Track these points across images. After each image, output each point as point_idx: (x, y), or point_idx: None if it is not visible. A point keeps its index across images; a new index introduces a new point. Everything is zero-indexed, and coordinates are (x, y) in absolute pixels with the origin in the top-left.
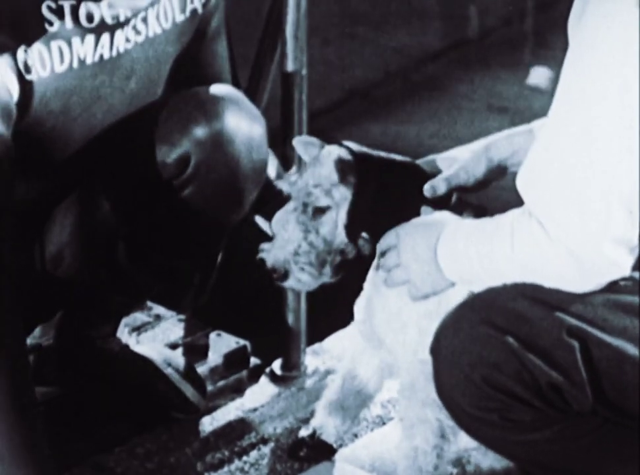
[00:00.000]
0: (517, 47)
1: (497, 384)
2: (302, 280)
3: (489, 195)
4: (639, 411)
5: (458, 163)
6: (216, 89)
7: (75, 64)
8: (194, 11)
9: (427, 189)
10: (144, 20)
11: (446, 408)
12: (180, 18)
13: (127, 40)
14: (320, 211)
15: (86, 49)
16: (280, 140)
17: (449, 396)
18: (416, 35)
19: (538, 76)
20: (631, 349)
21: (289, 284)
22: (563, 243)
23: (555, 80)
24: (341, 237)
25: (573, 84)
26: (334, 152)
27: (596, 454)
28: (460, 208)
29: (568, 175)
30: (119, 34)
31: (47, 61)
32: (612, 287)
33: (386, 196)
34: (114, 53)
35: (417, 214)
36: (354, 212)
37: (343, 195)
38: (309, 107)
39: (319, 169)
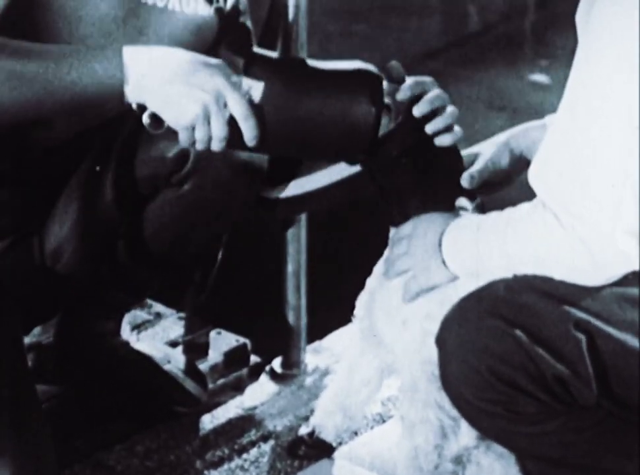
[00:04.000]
0: (517, 44)
1: (502, 376)
2: None
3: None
4: None
5: (482, 157)
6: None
7: None
8: (219, 10)
9: (465, 179)
10: None
11: (450, 399)
12: (204, 11)
13: None
14: None
15: None
16: None
17: (454, 386)
18: (416, 33)
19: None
20: (637, 343)
21: None
22: (576, 234)
23: (555, 77)
24: None
25: (584, 76)
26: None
27: (598, 448)
28: (480, 212)
29: (580, 165)
30: None
31: None
32: (620, 281)
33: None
34: None
35: (438, 192)
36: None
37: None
38: None
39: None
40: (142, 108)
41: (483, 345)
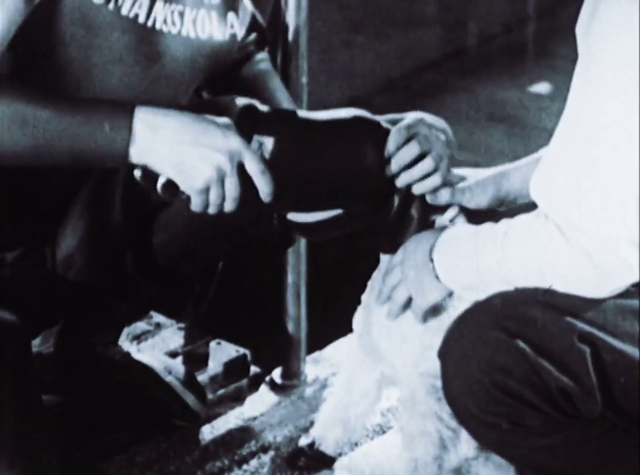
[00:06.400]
0: (517, 55)
1: (506, 389)
2: None
3: None
4: None
5: (466, 181)
6: (233, 100)
7: (111, 6)
8: (233, 36)
9: (430, 196)
10: (181, 14)
11: (453, 412)
12: (218, 36)
13: (164, 21)
14: None
15: None
16: None
17: (458, 400)
18: (416, 43)
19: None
20: None
21: None
22: (580, 246)
23: (556, 89)
24: None
25: (585, 88)
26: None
27: (602, 460)
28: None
29: (583, 177)
30: (158, 5)
31: None
32: (624, 292)
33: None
34: (150, 22)
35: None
36: None
37: None
38: None
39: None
40: (144, 172)
41: (487, 358)
